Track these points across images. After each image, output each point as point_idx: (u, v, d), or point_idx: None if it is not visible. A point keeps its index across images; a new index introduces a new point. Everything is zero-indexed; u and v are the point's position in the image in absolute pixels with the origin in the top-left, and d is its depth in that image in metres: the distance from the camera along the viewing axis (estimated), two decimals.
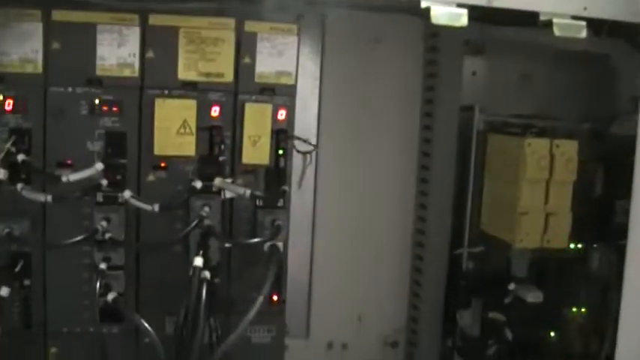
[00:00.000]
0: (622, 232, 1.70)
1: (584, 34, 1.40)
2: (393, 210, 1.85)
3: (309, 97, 1.75)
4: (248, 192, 1.40)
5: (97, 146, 1.43)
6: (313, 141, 1.71)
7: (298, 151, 1.65)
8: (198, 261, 1.36)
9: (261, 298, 1.33)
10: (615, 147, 1.78)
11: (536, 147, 1.62)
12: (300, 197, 1.75)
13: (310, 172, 1.77)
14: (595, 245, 1.83)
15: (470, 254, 1.77)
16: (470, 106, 1.76)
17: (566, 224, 1.65)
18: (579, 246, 1.83)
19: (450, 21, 1.34)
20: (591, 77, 1.91)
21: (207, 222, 1.42)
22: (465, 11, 1.33)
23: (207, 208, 1.44)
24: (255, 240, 1.46)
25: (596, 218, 1.82)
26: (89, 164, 1.40)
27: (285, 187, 1.51)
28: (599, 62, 1.91)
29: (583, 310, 1.85)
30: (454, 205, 1.77)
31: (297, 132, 1.57)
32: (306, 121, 1.74)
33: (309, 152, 1.70)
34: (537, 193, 1.64)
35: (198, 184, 1.45)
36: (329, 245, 1.80)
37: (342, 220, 1.80)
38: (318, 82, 1.75)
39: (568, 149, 1.63)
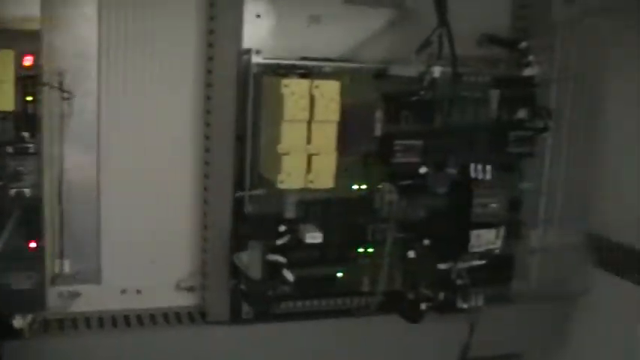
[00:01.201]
0: (402, 173, 1.66)
1: None
2: (183, 154, 1.85)
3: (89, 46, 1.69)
4: None
5: None
6: (89, 87, 1.69)
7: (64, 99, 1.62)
8: None
9: None
10: (394, 88, 1.78)
11: (294, 87, 1.58)
12: (81, 148, 1.73)
13: (92, 121, 1.72)
14: (379, 186, 1.75)
15: (251, 197, 1.74)
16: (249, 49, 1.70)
17: (330, 165, 1.61)
18: (363, 187, 1.80)
19: None
20: (388, 19, 1.91)
21: None
22: None
23: None
24: None
25: (378, 158, 1.74)
26: None
27: (25, 134, 1.50)
28: (395, 3, 1.90)
29: (369, 249, 1.81)
30: (237, 148, 1.74)
31: (75, 79, 1.60)
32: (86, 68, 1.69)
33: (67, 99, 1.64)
34: (298, 133, 1.60)
35: None
36: (118, 192, 1.79)
37: (130, 166, 1.79)
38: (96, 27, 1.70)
39: (328, 90, 1.59)
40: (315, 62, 1.75)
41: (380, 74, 1.74)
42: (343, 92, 1.67)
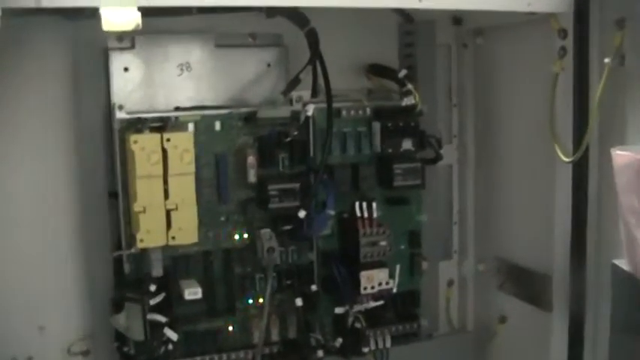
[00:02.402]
0: (281, 218, 1.54)
1: None
2: (60, 214, 1.73)
3: None
4: None
5: None
6: None
7: None
8: None
9: None
10: (268, 131, 1.70)
11: (144, 143, 1.49)
12: None
13: None
14: (262, 231, 1.63)
15: (128, 256, 1.63)
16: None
17: (191, 218, 1.54)
18: (245, 235, 1.70)
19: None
20: (266, 59, 1.82)
21: None
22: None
23: None
24: None
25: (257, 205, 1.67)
26: None
27: None
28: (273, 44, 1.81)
29: (260, 299, 1.71)
30: (113, 206, 1.65)
31: None
32: None
33: None
34: (153, 189, 1.51)
35: None
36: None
37: (8, 233, 1.68)
38: None
39: (181, 141, 1.51)
40: (178, 113, 1.66)
41: (249, 118, 1.60)
42: (215, 139, 1.63)
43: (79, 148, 1.67)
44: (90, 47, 1.65)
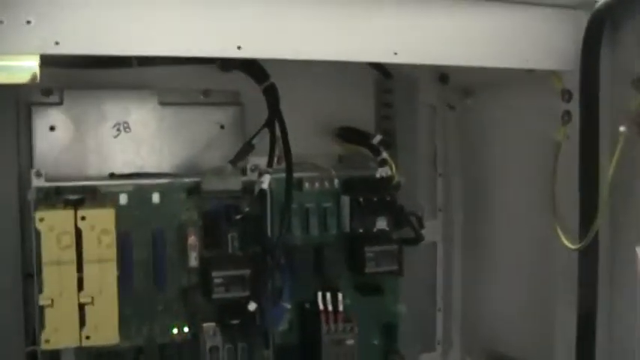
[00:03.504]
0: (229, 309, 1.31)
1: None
2: None
3: None
4: None
5: None
6: None
7: None
8: None
9: None
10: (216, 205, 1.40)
11: (52, 221, 1.19)
12: None
13: None
14: (204, 325, 1.35)
15: (44, 352, 1.28)
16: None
17: (110, 314, 1.22)
18: (185, 329, 1.40)
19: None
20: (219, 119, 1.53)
21: None
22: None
23: None
24: None
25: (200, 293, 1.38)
26: None
27: None
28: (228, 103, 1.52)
29: None
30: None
31: None
32: None
33: None
34: (64, 278, 1.20)
35: None
36: None
37: None
38: None
39: (100, 220, 1.21)
40: (106, 182, 1.37)
41: (193, 189, 1.24)
42: (152, 214, 1.34)
43: None
44: (9, 101, 1.36)
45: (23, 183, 1.33)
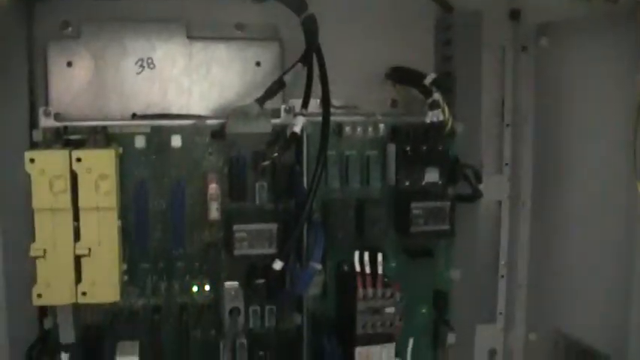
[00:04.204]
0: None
1: None
2: None
3: None
4: None
5: None
6: None
7: None
8: None
9: None
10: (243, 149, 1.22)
11: (44, 163, 1.04)
12: None
13: None
14: (226, 284, 1.23)
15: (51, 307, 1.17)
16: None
17: (110, 269, 1.07)
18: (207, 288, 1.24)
19: None
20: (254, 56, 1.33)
21: None
22: None
23: None
24: None
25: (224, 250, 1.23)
26: None
27: None
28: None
29: None
30: None
31: None
32: None
33: None
34: (59, 226, 1.05)
35: None
36: None
37: None
38: None
39: (97, 163, 1.05)
40: (121, 122, 1.20)
41: (218, 133, 1.06)
42: (171, 160, 1.20)
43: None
44: (20, 36, 1.19)
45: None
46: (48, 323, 1.17)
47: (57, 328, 1.15)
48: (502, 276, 1.43)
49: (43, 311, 1.15)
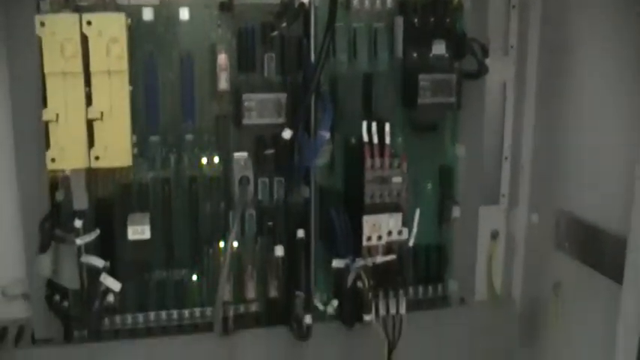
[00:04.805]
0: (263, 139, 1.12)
1: None
2: None
3: None
4: None
5: None
6: None
7: None
8: None
9: None
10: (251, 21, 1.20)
11: (55, 26, 1.01)
12: None
13: None
14: (235, 155, 1.23)
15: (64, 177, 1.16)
16: None
17: (122, 133, 1.07)
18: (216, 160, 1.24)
19: None
20: None
21: None
22: None
23: None
24: None
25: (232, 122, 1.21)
26: None
27: None
28: None
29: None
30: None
31: None
32: None
33: None
34: (71, 90, 1.05)
35: None
36: None
37: None
38: None
39: (108, 26, 1.04)
40: None
41: (226, 5, 1.07)
42: (180, 33, 1.17)
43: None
44: None
45: None
46: (60, 195, 1.15)
47: (69, 199, 1.14)
48: (506, 158, 1.41)
49: (54, 184, 1.13)
